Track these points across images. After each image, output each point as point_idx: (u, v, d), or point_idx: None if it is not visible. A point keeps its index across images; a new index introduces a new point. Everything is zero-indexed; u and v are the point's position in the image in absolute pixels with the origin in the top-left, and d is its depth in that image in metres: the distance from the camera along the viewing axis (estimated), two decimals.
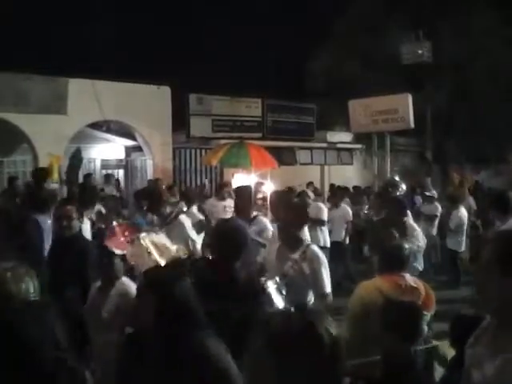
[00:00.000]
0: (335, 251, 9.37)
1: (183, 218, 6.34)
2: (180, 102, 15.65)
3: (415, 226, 6.05)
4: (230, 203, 9.96)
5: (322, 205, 9.37)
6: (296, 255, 4.06)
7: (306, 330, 1.39)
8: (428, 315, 3.73)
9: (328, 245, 9.01)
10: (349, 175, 18.11)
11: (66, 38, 20.08)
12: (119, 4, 21.67)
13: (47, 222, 5.45)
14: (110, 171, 14.65)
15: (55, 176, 10.97)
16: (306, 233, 4.94)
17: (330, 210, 10.09)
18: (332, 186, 14.26)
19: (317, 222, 8.70)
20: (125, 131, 15.93)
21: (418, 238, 5.95)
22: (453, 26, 19.68)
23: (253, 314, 2.67)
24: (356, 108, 16.61)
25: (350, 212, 10.17)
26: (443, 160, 20.66)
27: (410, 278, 3.80)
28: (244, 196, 5.72)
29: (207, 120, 16.35)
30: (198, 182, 15.67)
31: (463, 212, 9.59)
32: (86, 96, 13.27)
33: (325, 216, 8.96)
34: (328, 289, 4.06)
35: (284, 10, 24.17)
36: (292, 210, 4.31)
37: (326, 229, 9.01)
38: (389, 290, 3.62)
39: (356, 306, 3.65)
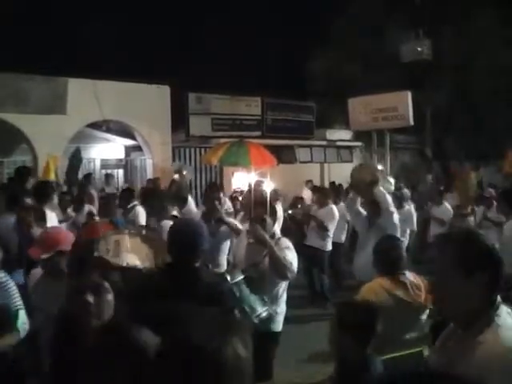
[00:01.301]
0: (334, 252, 9.00)
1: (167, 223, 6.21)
2: (179, 101, 15.65)
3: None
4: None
5: (335, 210, 8.58)
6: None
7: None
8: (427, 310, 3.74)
9: (328, 249, 8.59)
10: (348, 173, 18.07)
11: (65, 37, 20.09)
12: (119, 4, 21.68)
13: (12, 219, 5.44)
14: (109, 171, 14.67)
15: (52, 176, 10.97)
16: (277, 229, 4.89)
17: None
18: (332, 183, 14.23)
19: (320, 225, 8.37)
20: (124, 131, 15.94)
21: None
22: (452, 24, 19.68)
23: (218, 313, 2.63)
24: (355, 106, 16.60)
25: None
26: (443, 157, 20.66)
27: (409, 275, 3.78)
28: (209, 199, 5.72)
29: (207, 119, 16.35)
30: (198, 181, 15.68)
31: (447, 207, 9.42)
32: (86, 96, 13.28)
33: (330, 223, 8.40)
34: (294, 268, 4.02)
35: (283, 9, 24.16)
36: (262, 206, 4.28)
37: (329, 234, 8.47)
38: (396, 289, 3.59)
39: None
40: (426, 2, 20.11)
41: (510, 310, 1.85)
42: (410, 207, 9.18)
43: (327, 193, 9.13)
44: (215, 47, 22.55)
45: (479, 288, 1.80)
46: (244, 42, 21.56)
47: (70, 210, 8.10)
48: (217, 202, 5.75)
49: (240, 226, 5.40)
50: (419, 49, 20.24)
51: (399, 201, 8.79)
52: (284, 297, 4.24)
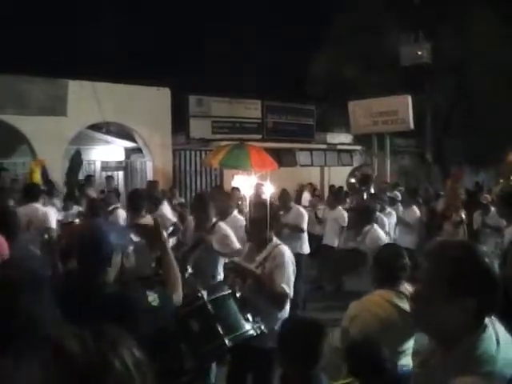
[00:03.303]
0: (327, 255, 8.84)
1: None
2: (180, 104, 15.66)
3: None
4: None
5: (302, 210, 8.48)
6: (261, 256, 3.86)
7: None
8: None
9: (305, 251, 8.17)
10: None
11: (65, 39, 20.08)
12: (119, 5, 21.68)
13: None
14: (109, 173, 14.64)
15: (37, 179, 10.99)
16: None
17: (324, 210, 9.86)
18: (332, 186, 14.19)
19: (295, 229, 7.96)
20: (124, 133, 15.93)
21: None
22: (452, 27, 19.71)
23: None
24: (356, 109, 16.64)
25: (345, 216, 9.08)
26: (443, 161, 20.68)
27: (407, 285, 3.47)
28: (200, 206, 5.28)
29: (207, 121, 16.37)
30: (198, 184, 15.68)
31: (414, 210, 9.15)
32: (86, 98, 13.27)
33: (304, 223, 8.11)
34: (286, 287, 3.72)
35: (284, 11, 24.17)
36: (258, 209, 4.11)
37: (304, 235, 8.18)
38: (399, 301, 3.32)
39: (373, 322, 3.24)
40: (426, 5, 20.14)
41: (500, 333, 1.67)
42: (391, 211, 8.94)
43: (288, 195, 8.73)
44: (215, 49, 22.56)
45: (464, 313, 1.61)
46: (244, 44, 21.58)
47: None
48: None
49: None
50: (419, 52, 20.27)
51: (382, 204, 8.74)
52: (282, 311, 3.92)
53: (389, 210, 8.90)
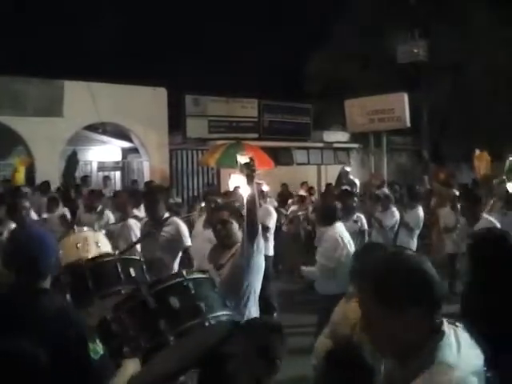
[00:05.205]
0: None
1: (132, 222, 6.09)
2: (176, 103, 15.66)
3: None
4: None
5: (270, 208, 8.37)
6: (231, 252, 3.88)
7: None
8: None
9: (271, 253, 7.95)
10: None
11: (61, 40, 20.06)
12: (115, 6, 21.66)
13: None
14: (106, 173, 14.65)
15: (20, 178, 10.92)
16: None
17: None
18: (329, 185, 14.15)
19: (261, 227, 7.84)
20: (121, 133, 15.92)
21: None
22: (449, 25, 19.72)
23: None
24: (352, 107, 16.63)
25: None
26: (439, 159, 20.70)
27: None
28: (151, 197, 5.33)
29: (203, 121, 16.36)
30: (195, 183, 15.68)
31: (417, 212, 8.91)
32: (82, 98, 13.27)
33: (270, 222, 7.94)
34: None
35: (281, 10, 24.18)
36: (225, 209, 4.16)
37: (269, 236, 7.92)
38: None
39: None
40: (422, 3, 20.15)
41: (463, 340, 1.58)
42: (394, 211, 8.73)
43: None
44: (212, 49, 22.56)
45: (409, 324, 1.52)
46: (241, 43, 21.57)
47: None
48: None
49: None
50: (415, 50, 20.27)
51: (386, 202, 8.59)
52: (251, 304, 3.79)
53: (393, 209, 8.61)
